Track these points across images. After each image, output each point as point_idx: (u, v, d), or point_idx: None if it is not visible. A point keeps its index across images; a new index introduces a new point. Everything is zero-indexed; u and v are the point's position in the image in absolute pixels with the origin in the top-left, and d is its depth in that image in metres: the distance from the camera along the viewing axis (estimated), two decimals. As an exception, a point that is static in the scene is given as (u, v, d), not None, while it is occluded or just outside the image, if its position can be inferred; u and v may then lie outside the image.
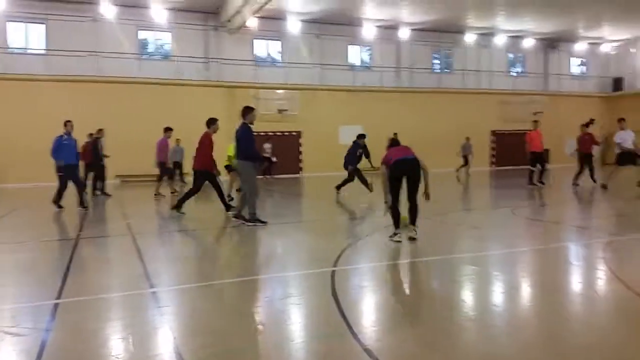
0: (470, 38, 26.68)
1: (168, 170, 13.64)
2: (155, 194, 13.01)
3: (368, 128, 17.63)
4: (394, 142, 6.76)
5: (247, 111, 7.94)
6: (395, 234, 6.23)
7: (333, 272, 4.83)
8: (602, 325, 3.48)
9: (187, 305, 4.04)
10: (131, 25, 20.72)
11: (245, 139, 7.76)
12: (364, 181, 12.39)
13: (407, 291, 4.50)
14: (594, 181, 13.53)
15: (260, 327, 3.50)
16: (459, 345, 3.11)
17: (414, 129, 23.20)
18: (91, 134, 14.14)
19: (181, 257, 6.08)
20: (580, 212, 9.92)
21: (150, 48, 22.46)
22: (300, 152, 23.89)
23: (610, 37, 28.53)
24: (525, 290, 4.38)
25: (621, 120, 13.41)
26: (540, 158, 14.11)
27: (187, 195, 9.06)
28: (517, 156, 21.57)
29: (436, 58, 27.49)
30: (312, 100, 23.61)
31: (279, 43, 23.91)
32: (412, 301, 4.17)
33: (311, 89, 23.67)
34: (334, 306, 3.78)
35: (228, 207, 8.96)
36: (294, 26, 23.13)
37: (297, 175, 23.39)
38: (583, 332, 3.34)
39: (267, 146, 21.42)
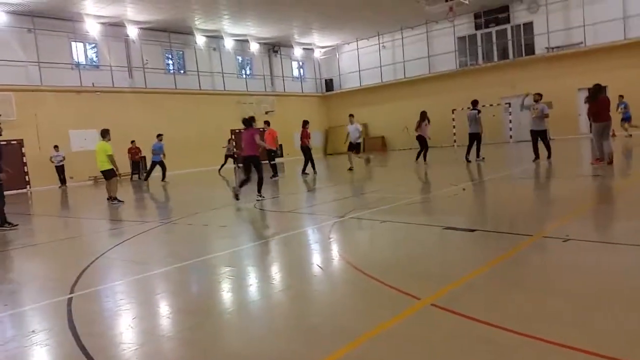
0: (200, 40, 27.15)
1: None
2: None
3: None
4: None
5: None
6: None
7: (70, 299, 4.28)
8: (334, 300, 4.01)
9: None
10: None
11: None
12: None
13: (160, 303, 4.30)
14: (315, 172, 16.06)
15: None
16: (215, 348, 3.14)
17: (152, 130, 22.42)
18: None
19: None
20: (309, 199, 11.21)
21: None
22: (25, 164, 20.41)
23: (320, 43, 33.09)
24: (277, 279, 4.69)
25: (350, 116, 16.54)
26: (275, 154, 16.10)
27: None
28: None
29: (169, 58, 27.07)
30: (33, 104, 20.46)
31: (-24, 37, 19.93)
32: (166, 313, 4.01)
33: (30, 90, 20.45)
34: (72, 339, 3.35)
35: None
36: (-3, 19, 19.66)
37: (24, 190, 20.01)
38: (321, 309, 3.78)
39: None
